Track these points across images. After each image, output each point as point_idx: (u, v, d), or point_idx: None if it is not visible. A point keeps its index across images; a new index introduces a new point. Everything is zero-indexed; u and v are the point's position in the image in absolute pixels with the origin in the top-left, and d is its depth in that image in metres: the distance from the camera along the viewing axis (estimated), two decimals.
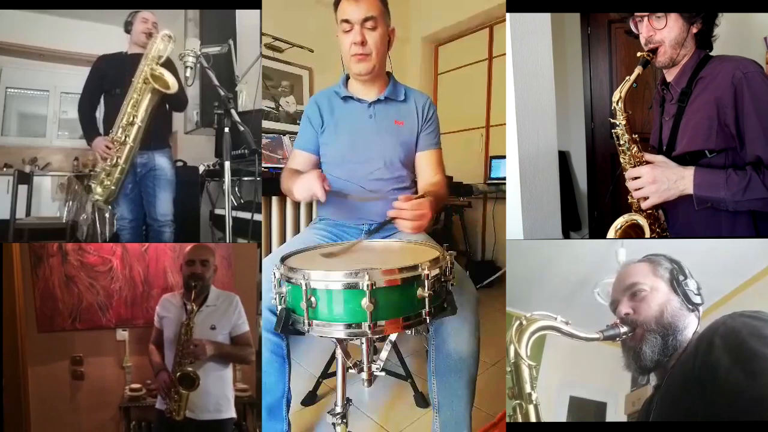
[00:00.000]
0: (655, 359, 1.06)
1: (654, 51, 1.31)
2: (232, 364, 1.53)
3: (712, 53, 1.33)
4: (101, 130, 2.20)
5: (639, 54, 1.33)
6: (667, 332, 1.05)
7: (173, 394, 1.40)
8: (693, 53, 1.32)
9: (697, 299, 1.07)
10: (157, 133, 2.14)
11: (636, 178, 1.31)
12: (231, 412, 1.50)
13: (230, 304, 1.52)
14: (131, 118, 1.96)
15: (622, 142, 1.35)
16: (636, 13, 1.32)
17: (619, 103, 1.34)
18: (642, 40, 1.34)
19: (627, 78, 1.33)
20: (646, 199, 1.30)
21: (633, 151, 1.34)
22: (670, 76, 1.37)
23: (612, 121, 1.36)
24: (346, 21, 1.38)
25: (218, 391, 1.47)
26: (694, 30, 1.30)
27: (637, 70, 1.31)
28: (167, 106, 2.24)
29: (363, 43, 1.38)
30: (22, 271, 1.58)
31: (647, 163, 1.32)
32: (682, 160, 1.29)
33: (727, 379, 0.86)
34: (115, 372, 1.70)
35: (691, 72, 1.30)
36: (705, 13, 1.29)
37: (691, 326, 1.06)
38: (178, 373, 1.40)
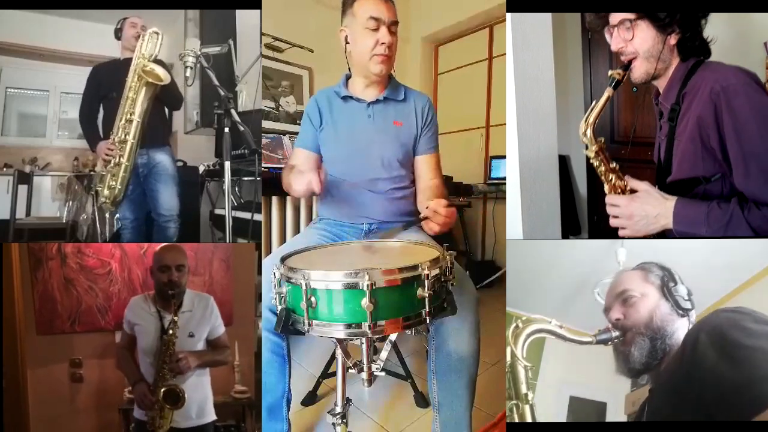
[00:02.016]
0: (643, 362, 1.08)
1: (627, 66, 1.20)
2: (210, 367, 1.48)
3: (710, 59, 1.19)
4: (102, 135, 2.22)
5: (610, 73, 1.20)
6: (656, 336, 1.07)
7: (157, 409, 1.34)
8: (678, 65, 1.19)
9: (686, 305, 1.09)
10: (155, 132, 2.15)
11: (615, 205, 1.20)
12: (212, 415, 1.46)
13: (206, 307, 1.46)
14: (129, 116, 1.96)
15: (599, 173, 1.24)
16: (610, 24, 1.21)
17: (587, 133, 1.20)
18: (614, 50, 1.22)
19: (593, 103, 1.20)
20: (624, 228, 1.20)
21: (613, 182, 1.22)
22: (661, 88, 1.25)
23: (585, 152, 1.23)
24: (376, 19, 1.35)
25: (200, 396, 1.43)
26: (672, 41, 1.16)
27: (607, 92, 1.19)
28: (165, 107, 2.25)
29: (391, 44, 1.38)
30: (21, 274, 1.58)
31: (631, 191, 1.20)
32: (677, 187, 1.18)
33: (713, 370, 0.88)
34: (114, 374, 1.69)
35: (679, 85, 1.18)
36: (682, 21, 1.14)
37: (680, 331, 1.07)
38: (163, 389, 1.33)
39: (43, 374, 1.63)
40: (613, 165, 1.22)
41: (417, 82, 4.20)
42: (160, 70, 1.94)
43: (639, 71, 1.20)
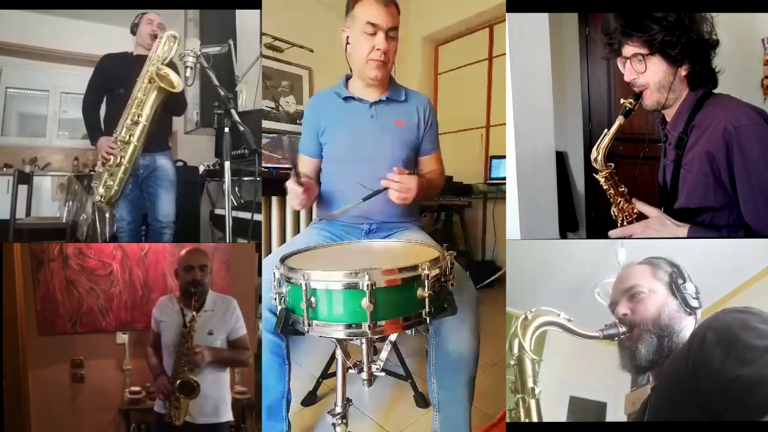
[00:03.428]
0: (650, 359, 1.07)
1: (639, 95, 1.25)
2: (229, 368, 1.53)
3: (716, 90, 1.24)
4: (103, 129, 2.19)
5: (622, 101, 1.26)
6: (663, 334, 1.06)
7: (173, 400, 1.40)
8: (688, 95, 1.24)
9: (694, 303, 1.08)
10: (158, 134, 2.14)
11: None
12: (228, 415, 1.49)
13: (228, 309, 1.51)
14: (136, 118, 1.95)
15: (609, 196, 1.29)
16: (622, 55, 1.25)
17: (599, 159, 1.27)
18: (627, 81, 1.27)
19: (605, 132, 1.26)
20: None
21: (622, 206, 1.28)
22: (669, 116, 1.30)
23: (595, 176, 1.29)
24: (373, 24, 1.36)
25: (216, 394, 1.47)
26: (683, 72, 1.21)
27: (618, 120, 1.25)
28: (167, 109, 2.24)
29: (387, 51, 1.39)
30: (23, 275, 1.58)
31: (640, 215, 1.25)
32: (685, 213, 1.22)
33: (720, 368, 0.87)
34: (115, 375, 1.70)
35: (687, 115, 1.22)
36: (693, 54, 1.19)
37: (687, 329, 1.07)
38: (179, 381, 1.39)
39: (45, 375, 1.63)
40: (622, 189, 1.28)
41: (417, 82, 4.20)
42: (174, 77, 1.94)
43: (650, 100, 1.25)
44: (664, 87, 1.22)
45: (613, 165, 1.27)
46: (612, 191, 1.28)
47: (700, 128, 1.18)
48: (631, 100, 1.25)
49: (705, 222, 1.19)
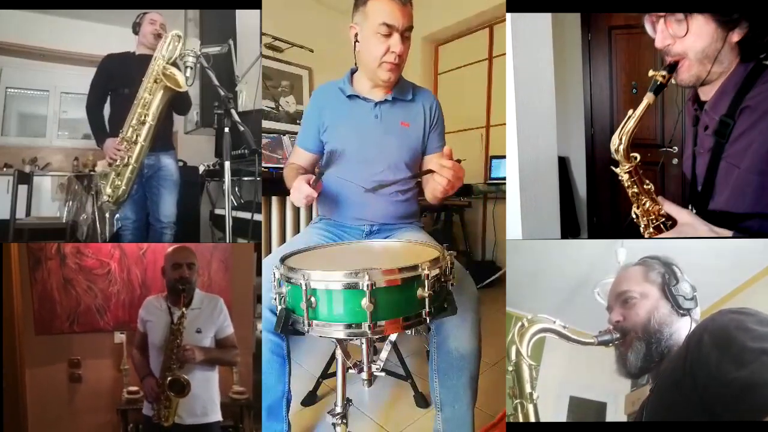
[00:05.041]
0: (639, 366, 1.07)
1: (673, 67, 0.98)
2: (218, 367, 1.52)
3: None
4: (108, 130, 2.20)
5: (651, 74, 0.99)
6: (652, 339, 1.05)
7: (163, 399, 1.38)
8: (736, 68, 0.97)
9: (688, 304, 1.06)
10: (162, 134, 2.14)
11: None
12: (217, 416, 1.49)
13: (215, 307, 1.51)
14: (142, 118, 1.96)
15: (631, 194, 1.08)
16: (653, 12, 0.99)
17: (620, 149, 1.03)
18: (659, 48, 1.00)
19: (629, 113, 1.02)
20: None
21: (647, 207, 1.07)
22: (704, 94, 1.05)
23: (615, 170, 1.07)
24: (388, 25, 1.27)
25: (205, 394, 1.46)
26: (735, 38, 0.93)
27: (647, 98, 1.00)
28: (172, 109, 2.24)
29: (401, 53, 1.31)
30: (20, 274, 1.58)
31: (668, 218, 1.05)
32: (723, 216, 1.01)
33: (718, 370, 0.87)
34: (113, 375, 1.70)
35: (734, 93, 0.96)
36: (750, 15, 0.92)
37: (680, 331, 1.05)
38: (169, 378, 1.38)
39: (42, 374, 1.63)
40: (648, 186, 1.07)
41: (417, 82, 4.15)
42: (180, 77, 1.95)
43: (688, 74, 0.99)
44: (708, 57, 0.94)
45: (638, 157, 1.03)
46: (636, 189, 1.05)
47: (756, 112, 0.93)
48: (664, 73, 0.99)
49: (752, 229, 0.97)
